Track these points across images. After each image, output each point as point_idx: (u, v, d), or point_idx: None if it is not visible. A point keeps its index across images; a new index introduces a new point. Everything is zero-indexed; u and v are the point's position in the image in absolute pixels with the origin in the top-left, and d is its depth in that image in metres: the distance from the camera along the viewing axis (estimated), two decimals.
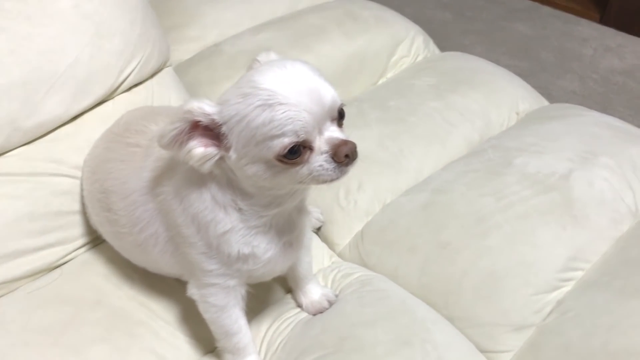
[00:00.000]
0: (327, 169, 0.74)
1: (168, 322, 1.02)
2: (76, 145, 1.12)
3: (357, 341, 0.95)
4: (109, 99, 1.20)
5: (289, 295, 1.10)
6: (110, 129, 1.10)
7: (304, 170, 0.74)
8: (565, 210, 1.17)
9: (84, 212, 1.12)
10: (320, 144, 0.74)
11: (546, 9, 2.84)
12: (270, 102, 0.71)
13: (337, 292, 1.09)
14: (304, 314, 1.06)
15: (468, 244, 1.12)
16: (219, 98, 0.77)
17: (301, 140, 0.72)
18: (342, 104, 0.77)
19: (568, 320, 1.02)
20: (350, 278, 1.11)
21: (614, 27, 2.67)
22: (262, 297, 1.08)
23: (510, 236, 1.12)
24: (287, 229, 0.89)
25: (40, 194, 1.08)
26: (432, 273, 1.12)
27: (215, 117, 0.75)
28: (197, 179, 0.82)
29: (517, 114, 1.57)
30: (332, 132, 0.75)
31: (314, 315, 1.05)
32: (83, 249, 1.14)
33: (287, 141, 0.71)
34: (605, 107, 2.15)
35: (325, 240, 1.26)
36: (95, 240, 1.15)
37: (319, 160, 0.74)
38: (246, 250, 0.84)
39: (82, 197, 1.11)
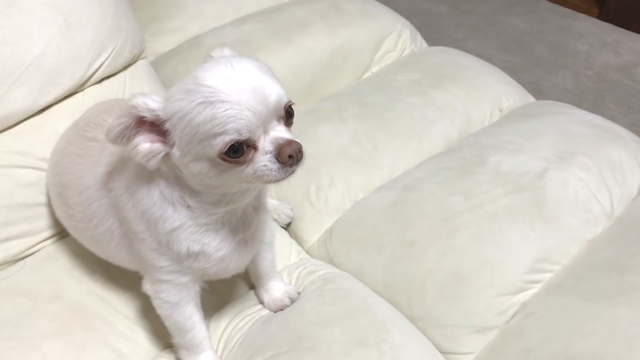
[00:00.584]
0: (272, 169, 0.73)
1: (127, 316, 1.02)
2: (43, 137, 1.12)
3: (312, 340, 0.94)
4: (79, 91, 1.19)
5: (252, 292, 1.10)
6: (77, 122, 1.09)
7: (248, 169, 0.73)
8: (536, 210, 1.15)
9: (50, 205, 1.11)
10: (265, 143, 0.73)
11: (544, 3, 2.79)
12: (212, 99, 0.70)
13: (301, 290, 1.08)
14: (265, 311, 1.05)
15: (434, 243, 1.11)
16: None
17: (244, 138, 0.71)
18: (289, 103, 0.75)
19: (531, 323, 1.01)
20: (314, 275, 1.10)
21: (612, 22, 2.63)
22: (223, 293, 1.07)
23: (477, 236, 1.10)
24: (241, 226, 0.88)
25: (5, 186, 1.07)
26: (397, 272, 1.11)
27: (159, 113, 0.74)
28: (146, 175, 0.81)
29: (500, 110, 1.55)
30: (278, 131, 0.74)
31: (275, 312, 1.04)
32: (49, 241, 1.14)
33: (228, 139, 0.70)
34: (596, 105, 2.11)
35: (294, 236, 1.25)
36: (61, 233, 1.15)
37: (263, 160, 0.73)
38: (196, 247, 0.84)
39: (47, 189, 1.10)
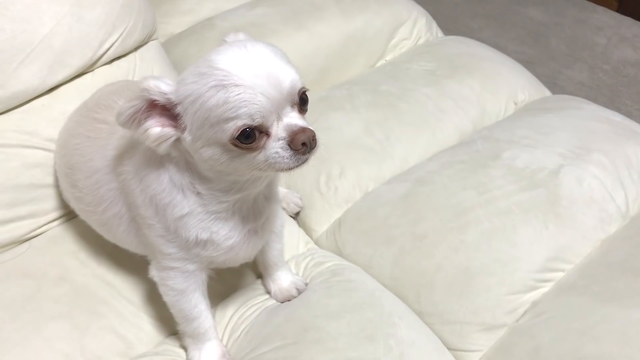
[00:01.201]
0: (284, 156, 0.71)
1: (132, 302, 1.01)
2: (51, 117, 1.10)
3: (319, 333, 0.93)
4: (88, 71, 1.17)
5: (259, 281, 1.08)
6: (85, 102, 1.07)
7: (260, 156, 0.71)
8: (550, 208, 1.13)
9: (57, 186, 1.10)
10: (278, 130, 0.71)
11: None
12: (225, 82, 0.68)
13: (308, 281, 1.06)
14: (272, 301, 1.04)
15: (444, 237, 1.09)
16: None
17: (256, 124, 0.69)
18: (303, 89, 0.73)
19: (541, 323, 0.99)
20: (322, 267, 1.08)
21: (632, 16, 2.57)
22: (230, 282, 1.06)
23: (489, 232, 1.08)
24: (252, 216, 0.86)
25: (11, 165, 1.06)
26: (406, 266, 1.09)
27: (171, 96, 0.72)
28: (156, 159, 0.80)
29: (516, 103, 1.52)
30: (292, 118, 0.72)
31: (282, 302, 1.03)
32: (55, 223, 1.13)
33: (240, 124, 0.68)
34: (612, 100, 2.08)
35: (303, 226, 1.24)
36: (68, 215, 1.14)
37: (275, 146, 0.71)
38: (204, 235, 0.82)
39: (55, 170, 1.09)
